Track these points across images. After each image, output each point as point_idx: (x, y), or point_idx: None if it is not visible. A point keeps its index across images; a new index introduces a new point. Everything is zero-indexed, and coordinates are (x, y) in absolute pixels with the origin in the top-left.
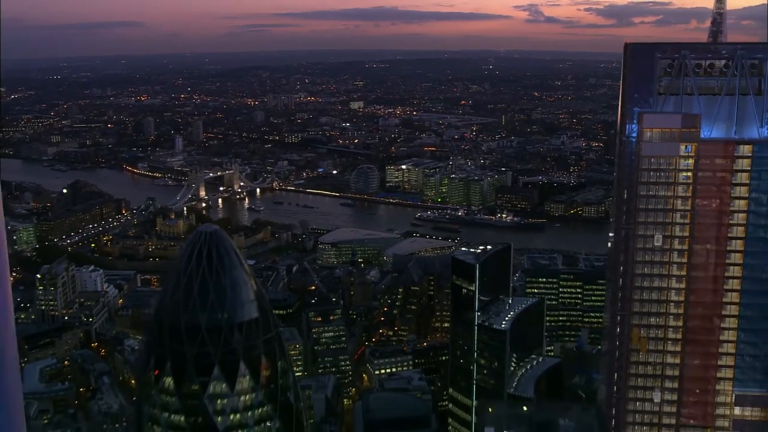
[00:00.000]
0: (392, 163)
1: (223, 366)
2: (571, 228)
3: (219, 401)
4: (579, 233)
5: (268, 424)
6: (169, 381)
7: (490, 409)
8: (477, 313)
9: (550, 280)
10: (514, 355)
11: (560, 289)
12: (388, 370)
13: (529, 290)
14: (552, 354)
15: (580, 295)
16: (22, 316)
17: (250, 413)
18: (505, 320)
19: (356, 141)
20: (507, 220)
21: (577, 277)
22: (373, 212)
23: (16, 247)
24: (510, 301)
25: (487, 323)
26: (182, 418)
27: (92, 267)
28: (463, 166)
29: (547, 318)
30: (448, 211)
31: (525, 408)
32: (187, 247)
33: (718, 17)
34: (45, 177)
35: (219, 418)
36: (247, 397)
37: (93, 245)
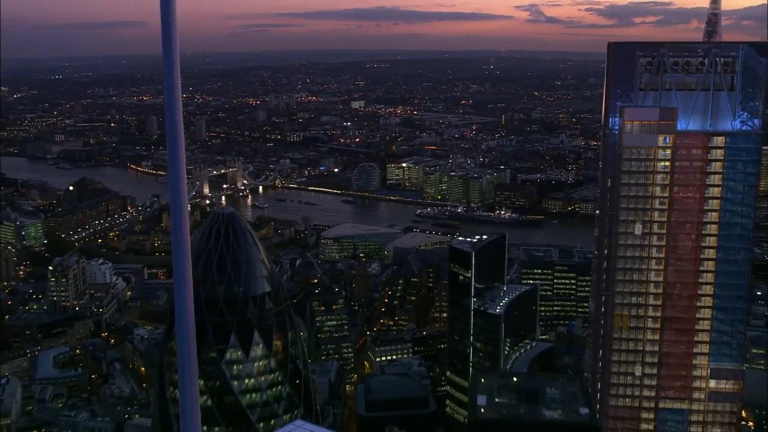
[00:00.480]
0: (393, 162)
1: (238, 335)
2: (568, 224)
3: (235, 367)
4: (576, 229)
5: (279, 388)
6: None
7: (482, 380)
8: (473, 299)
9: (545, 271)
10: (508, 339)
11: (555, 280)
12: (389, 358)
13: (524, 281)
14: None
15: (574, 286)
16: (35, 307)
17: (263, 378)
18: (499, 305)
19: (357, 140)
20: (505, 217)
21: (571, 269)
22: (374, 209)
23: (24, 242)
24: (505, 288)
25: (482, 308)
26: (201, 383)
27: (101, 260)
28: (462, 164)
29: (542, 308)
30: (448, 208)
31: (515, 379)
32: (206, 227)
33: (713, 17)
34: (50, 175)
35: (235, 383)
36: (261, 363)
37: (100, 240)
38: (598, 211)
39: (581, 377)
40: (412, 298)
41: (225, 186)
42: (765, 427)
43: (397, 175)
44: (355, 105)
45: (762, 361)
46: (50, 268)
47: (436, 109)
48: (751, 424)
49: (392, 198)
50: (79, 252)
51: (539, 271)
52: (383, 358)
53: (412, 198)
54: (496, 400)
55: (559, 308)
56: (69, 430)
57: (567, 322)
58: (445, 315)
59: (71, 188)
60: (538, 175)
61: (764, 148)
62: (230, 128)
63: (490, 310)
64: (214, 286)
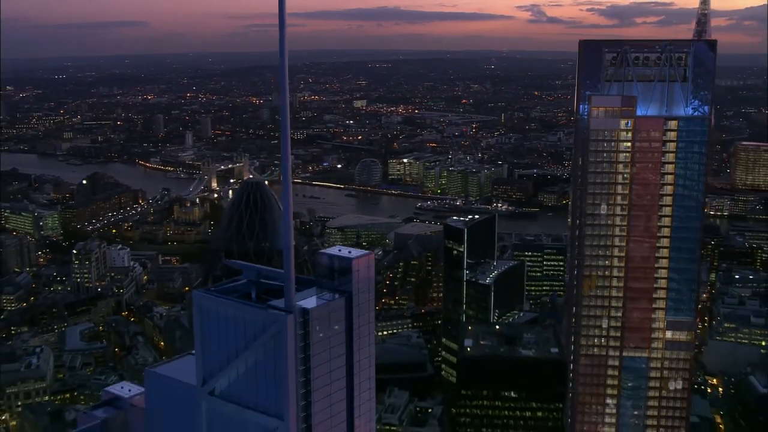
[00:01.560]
0: (394, 158)
1: None
2: (562, 216)
3: None
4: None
5: None
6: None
7: (470, 328)
8: (465, 271)
9: (535, 253)
10: (497, 309)
11: (544, 262)
12: (391, 332)
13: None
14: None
15: (562, 268)
16: (59, 288)
17: None
18: (489, 277)
19: (359, 137)
20: (502, 210)
21: (559, 252)
22: (376, 202)
23: (42, 232)
24: (495, 263)
25: (474, 279)
26: None
27: (120, 246)
28: (462, 160)
29: (533, 287)
30: (447, 202)
31: (497, 327)
32: (238, 193)
33: (703, 17)
34: (61, 170)
35: None
36: None
37: (114, 231)
38: (571, 189)
39: (554, 326)
40: (412, 279)
41: (232, 180)
42: (732, 390)
43: (398, 170)
44: (357, 104)
45: (732, 335)
46: (74, 251)
47: (437, 108)
48: (720, 389)
49: (393, 192)
50: (99, 238)
51: (530, 253)
52: (385, 333)
53: (412, 192)
54: (481, 342)
55: (547, 287)
56: (98, 391)
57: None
58: (442, 295)
59: (84, 182)
60: (535, 171)
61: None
62: (235, 126)
63: (480, 281)
64: (244, 240)
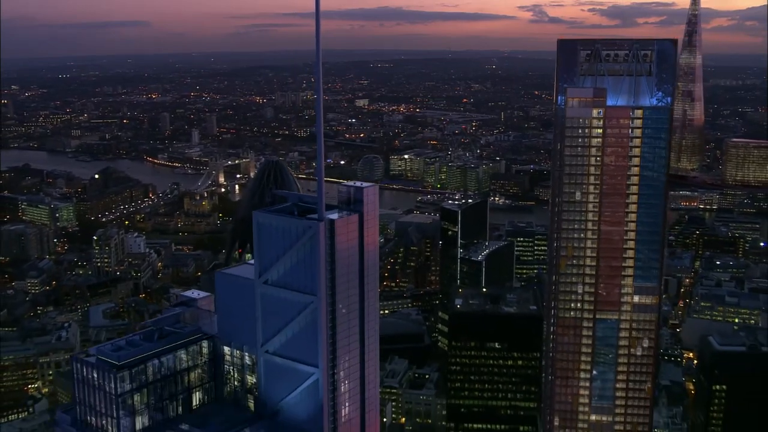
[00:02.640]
0: (396, 154)
1: None
2: None
3: None
4: None
5: None
6: (248, 256)
7: (459, 290)
8: (459, 250)
9: (526, 239)
10: (488, 285)
11: (535, 247)
12: (392, 310)
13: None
14: None
15: None
16: (81, 272)
17: None
18: (481, 255)
19: (362, 135)
20: (500, 203)
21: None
22: (378, 197)
23: (58, 223)
24: (486, 243)
25: (467, 257)
26: None
27: (136, 233)
28: (461, 156)
29: (524, 270)
30: (447, 195)
31: (484, 289)
32: (260, 170)
33: (693, 18)
34: (71, 166)
35: None
36: None
37: (126, 222)
38: (551, 177)
39: (534, 289)
40: (412, 264)
41: (238, 176)
42: (716, 371)
43: (400, 166)
44: (360, 103)
45: (708, 312)
46: (94, 238)
47: (438, 107)
48: (695, 362)
49: (395, 187)
50: (118, 226)
51: (522, 239)
52: (386, 312)
53: (413, 187)
54: (470, 302)
55: (537, 272)
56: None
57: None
58: (439, 275)
59: (97, 176)
60: (532, 166)
61: None
62: (239, 124)
63: (473, 258)
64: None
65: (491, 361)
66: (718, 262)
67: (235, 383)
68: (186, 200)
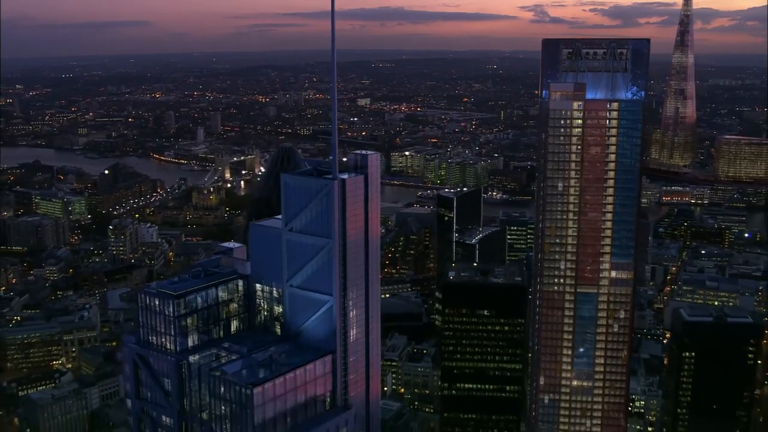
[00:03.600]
0: (397, 151)
1: None
2: None
3: None
4: None
5: None
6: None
7: (452, 265)
8: (455, 234)
9: (519, 228)
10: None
11: (528, 236)
12: (392, 293)
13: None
14: None
15: None
16: (97, 260)
17: None
18: (475, 238)
19: (363, 133)
20: (497, 198)
21: None
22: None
23: (71, 216)
24: (480, 228)
25: (461, 240)
26: None
27: (149, 224)
28: (460, 153)
29: (516, 256)
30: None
31: (475, 264)
32: (274, 155)
33: (685, 19)
34: (79, 163)
35: None
36: None
37: (137, 215)
38: (537, 165)
39: (520, 263)
40: (411, 252)
41: (244, 172)
42: (685, 340)
43: (401, 162)
44: (361, 102)
45: (689, 296)
46: (110, 227)
47: (439, 106)
48: (668, 334)
49: (396, 183)
50: (130, 218)
51: (515, 228)
52: (387, 295)
53: (413, 182)
54: (461, 274)
55: (527, 255)
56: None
57: None
58: (437, 260)
59: (107, 172)
60: (529, 163)
61: None
62: (243, 123)
63: (467, 241)
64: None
65: (480, 327)
66: (703, 252)
67: (265, 313)
68: (194, 194)
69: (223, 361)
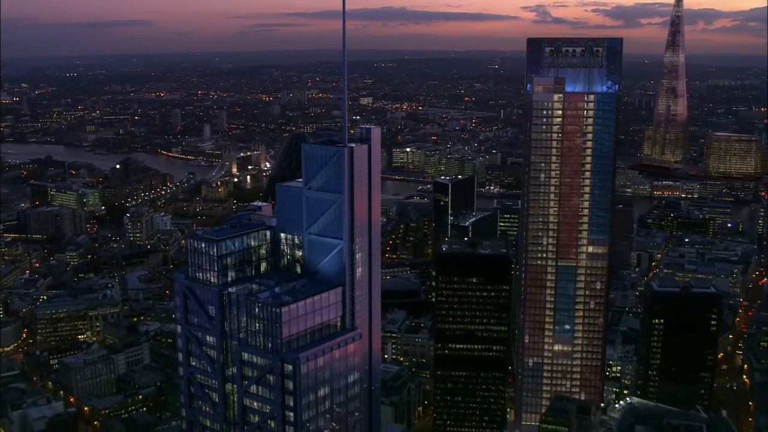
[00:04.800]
0: (398, 148)
1: None
2: None
3: None
4: None
5: None
6: None
7: (446, 239)
8: (450, 217)
9: (512, 215)
10: None
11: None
12: (393, 276)
13: (499, 223)
14: None
15: None
16: (114, 245)
17: None
18: (468, 221)
19: None
20: (494, 191)
21: None
22: (381, 186)
23: (85, 208)
24: (474, 212)
25: (456, 222)
26: None
27: (163, 213)
28: (460, 149)
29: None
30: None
31: (465, 239)
32: (288, 140)
33: (676, 19)
34: (90, 159)
35: None
36: None
37: (148, 207)
38: (524, 152)
39: (506, 239)
40: (411, 238)
41: (250, 167)
42: (655, 308)
43: (402, 158)
44: (363, 101)
45: (669, 277)
46: (127, 215)
47: (440, 105)
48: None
49: (397, 178)
50: (147, 205)
51: (508, 216)
52: (387, 277)
53: (414, 177)
54: (453, 246)
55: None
56: (163, 314)
57: None
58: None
59: (118, 166)
60: None
61: None
62: (247, 120)
63: (461, 224)
64: (293, 170)
65: (470, 293)
66: (687, 240)
67: (288, 257)
68: (203, 187)
69: (255, 291)
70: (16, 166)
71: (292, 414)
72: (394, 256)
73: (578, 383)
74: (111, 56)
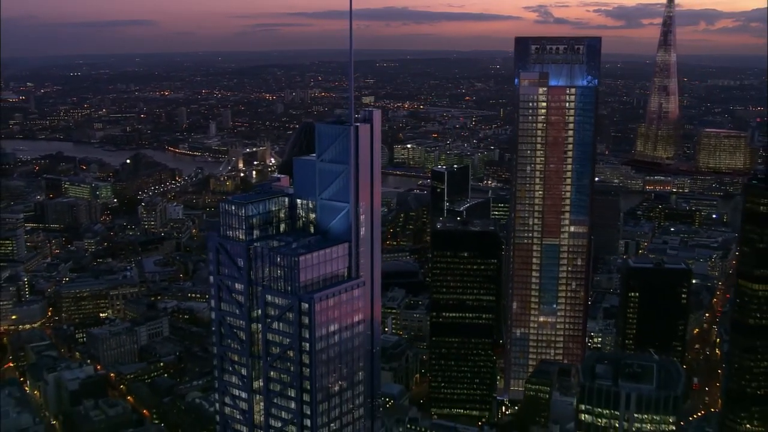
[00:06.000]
0: (399, 144)
1: None
2: None
3: None
4: None
5: None
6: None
7: (440, 218)
8: (446, 203)
9: (505, 205)
10: None
11: None
12: (393, 260)
13: (493, 211)
14: None
15: None
16: (130, 233)
17: None
18: (463, 206)
19: None
20: (491, 186)
21: None
22: (383, 181)
23: (99, 200)
24: (468, 199)
25: (452, 208)
26: None
27: (176, 203)
28: (459, 146)
29: None
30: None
31: (458, 218)
32: (298, 129)
33: (668, 19)
34: (99, 155)
35: None
36: None
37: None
38: (513, 140)
39: (495, 220)
40: (410, 227)
41: (255, 162)
42: (630, 282)
43: (403, 154)
44: (366, 100)
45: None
46: (142, 204)
47: (441, 104)
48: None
49: (398, 173)
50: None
51: (502, 205)
52: (388, 260)
53: (414, 172)
54: (447, 224)
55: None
56: (179, 293)
57: None
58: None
59: (128, 161)
60: None
61: None
62: (252, 118)
63: (456, 209)
64: (303, 154)
65: (461, 266)
66: (672, 229)
67: (303, 219)
68: (211, 181)
69: (276, 246)
70: (28, 162)
71: (307, 344)
72: (395, 243)
73: (561, 352)
74: (113, 56)
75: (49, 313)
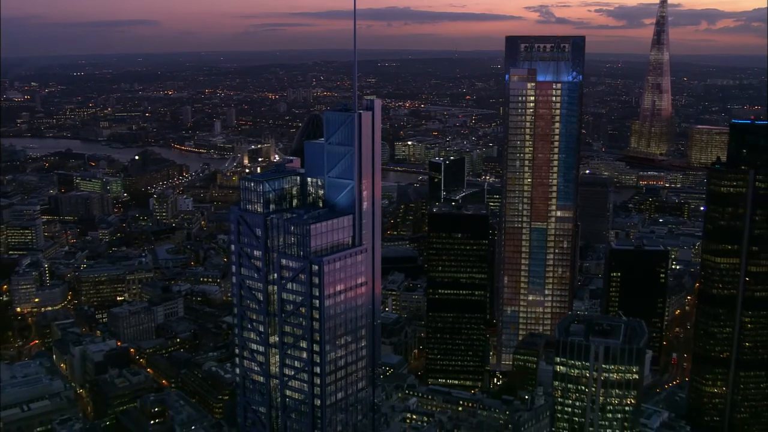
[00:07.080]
0: (400, 141)
1: None
2: None
3: None
4: None
5: None
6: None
7: (437, 203)
8: (443, 192)
9: (500, 196)
10: None
11: None
12: (394, 248)
13: (488, 202)
14: None
15: None
16: (143, 223)
17: None
18: (459, 196)
19: None
20: (490, 181)
21: None
22: (384, 177)
23: (109, 194)
24: (464, 189)
25: (448, 197)
26: None
27: (185, 195)
28: (458, 143)
29: None
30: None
31: (453, 203)
32: (306, 121)
33: (662, 19)
34: (107, 152)
35: None
36: None
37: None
38: (504, 133)
39: (488, 206)
40: (410, 217)
41: (260, 159)
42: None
43: (404, 151)
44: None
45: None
46: (154, 196)
47: (442, 103)
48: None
49: (399, 169)
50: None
51: (497, 196)
52: (389, 247)
53: (415, 169)
54: (442, 209)
55: None
56: (192, 277)
57: None
58: None
59: (137, 157)
60: None
61: None
62: (255, 117)
63: (452, 198)
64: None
65: (456, 246)
66: (661, 220)
67: (313, 195)
68: (218, 176)
69: (290, 217)
70: (38, 159)
71: (317, 301)
72: (395, 232)
73: (549, 328)
74: (116, 56)
75: (69, 297)
